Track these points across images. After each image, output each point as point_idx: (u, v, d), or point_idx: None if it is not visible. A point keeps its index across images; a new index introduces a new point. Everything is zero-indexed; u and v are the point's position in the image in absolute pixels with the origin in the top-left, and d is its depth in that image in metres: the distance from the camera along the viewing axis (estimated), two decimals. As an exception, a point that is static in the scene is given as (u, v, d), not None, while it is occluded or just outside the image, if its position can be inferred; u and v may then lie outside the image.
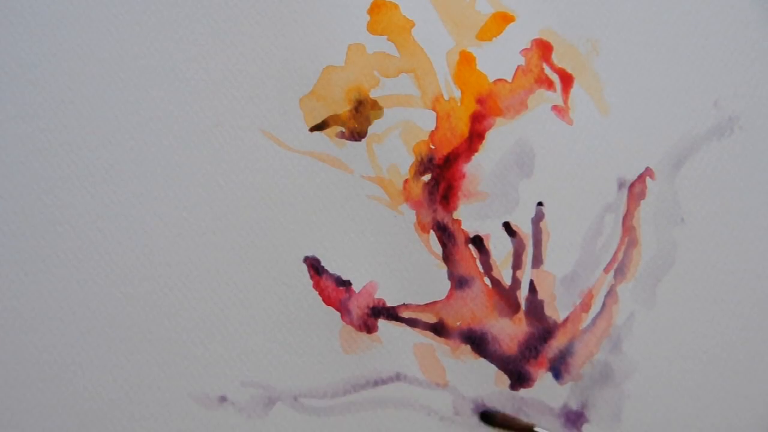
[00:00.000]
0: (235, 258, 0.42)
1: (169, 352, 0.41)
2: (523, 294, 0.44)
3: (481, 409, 0.43)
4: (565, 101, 0.46)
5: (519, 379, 0.43)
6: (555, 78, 0.46)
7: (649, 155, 0.45)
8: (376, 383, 0.42)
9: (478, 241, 0.44)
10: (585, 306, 0.44)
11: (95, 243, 0.42)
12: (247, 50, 0.44)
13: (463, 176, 0.44)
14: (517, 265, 0.44)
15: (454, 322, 0.43)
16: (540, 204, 0.45)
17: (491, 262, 0.44)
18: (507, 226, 0.44)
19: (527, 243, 0.44)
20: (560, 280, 0.44)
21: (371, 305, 0.43)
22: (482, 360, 0.43)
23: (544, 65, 0.46)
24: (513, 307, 0.44)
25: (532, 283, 0.44)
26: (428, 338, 0.43)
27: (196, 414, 0.41)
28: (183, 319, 0.42)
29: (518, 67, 0.45)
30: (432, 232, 0.44)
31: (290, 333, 0.42)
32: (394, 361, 0.43)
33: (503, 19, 0.46)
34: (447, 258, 0.44)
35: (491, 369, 0.43)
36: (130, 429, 0.41)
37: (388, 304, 0.43)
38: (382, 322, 0.43)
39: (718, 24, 0.47)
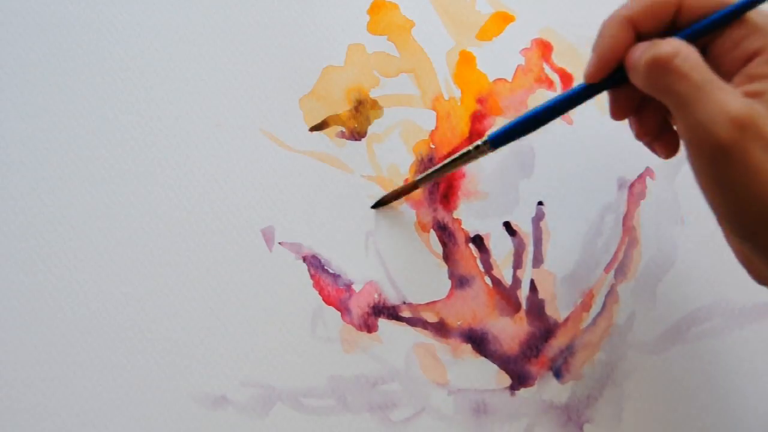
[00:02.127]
0: (235, 258, 0.42)
1: (169, 352, 0.41)
2: (523, 293, 0.44)
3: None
4: (565, 101, 0.46)
5: (520, 378, 0.43)
6: (555, 77, 0.46)
7: (649, 155, 0.45)
8: (376, 383, 0.42)
9: (478, 241, 0.44)
10: (586, 305, 0.44)
11: (95, 243, 0.42)
12: (247, 50, 0.44)
13: (464, 176, 0.44)
14: (517, 264, 0.44)
15: (454, 321, 0.43)
16: (540, 203, 0.45)
17: (492, 261, 0.44)
18: (507, 225, 0.44)
19: (527, 242, 0.44)
20: (561, 280, 0.44)
21: (371, 304, 0.43)
22: (483, 359, 0.43)
23: (544, 65, 0.46)
24: (514, 306, 0.44)
25: (532, 282, 0.44)
26: (429, 338, 0.43)
27: (196, 414, 0.41)
28: (183, 319, 0.42)
29: (518, 66, 0.45)
30: (432, 232, 0.44)
31: (290, 333, 0.42)
32: (394, 360, 0.43)
33: (503, 19, 0.46)
34: (447, 257, 0.44)
35: (492, 368, 0.43)
36: (130, 429, 0.41)
37: (389, 303, 0.43)
38: (382, 322, 0.43)
39: (718, 24, 0.47)
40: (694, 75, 0.31)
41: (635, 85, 0.34)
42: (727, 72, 0.33)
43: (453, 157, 0.40)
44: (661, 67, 0.32)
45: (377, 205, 0.43)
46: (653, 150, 0.39)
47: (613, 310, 0.44)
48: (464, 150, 0.39)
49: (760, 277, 0.36)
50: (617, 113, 0.38)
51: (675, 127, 0.38)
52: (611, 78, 0.36)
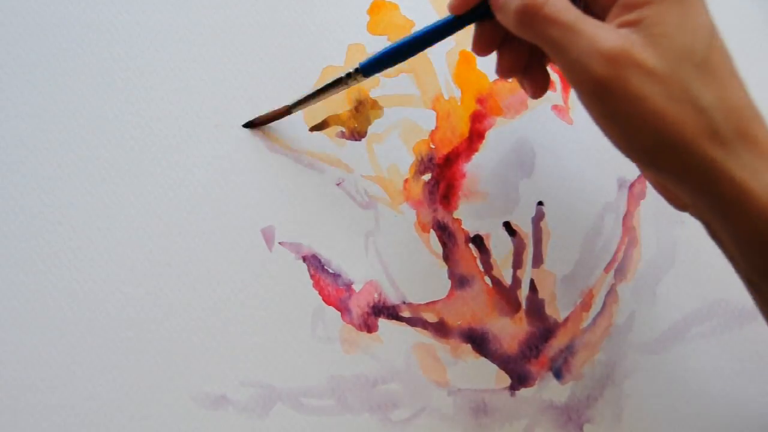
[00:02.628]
0: (235, 258, 0.42)
1: (169, 352, 0.41)
2: (523, 293, 0.44)
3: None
4: (565, 101, 0.46)
5: (520, 378, 0.43)
6: (555, 77, 0.46)
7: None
8: (376, 383, 0.42)
9: (478, 241, 0.44)
10: (585, 305, 0.44)
11: (95, 243, 0.42)
12: (247, 50, 0.44)
13: (464, 176, 0.44)
14: (517, 264, 0.44)
15: (454, 321, 0.43)
16: (540, 203, 0.45)
17: (491, 261, 0.44)
18: (507, 225, 0.44)
19: (528, 242, 0.44)
20: (561, 280, 0.44)
21: (371, 304, 0.43)
22: (483, 359, 0.43)
23: (544, 65, 0.46)
24: (513, 306, 0.44)
25: (532, 282, 0.44)
26: (428, 337, 0.43)
27: (196, 414, 0.41)
28: (183, 318, 0.42)
29: (518, 66, 0.45)
30: (432, 232, 0.44)
31: (290, 333, 0.42)
32: (394, 360, 0.43)
33: (503, 19, 0.46)
34: (447, 257, 0.44)
35: (492, 368, 0.43)
36: (130, 429, 0.41)
37: (389, 303, 0.43)
38: (382, 322, 0.43)
39: (718, 24, 0.47)
40: (563, 17, 0.32)
41: (504, 26, 0.34)
42: (604, 7, 0.33)
43: (327, 82, 0.41)
44: (530, 15, 0.32)
45: (249, 125, 0.44)
46: (523, 87, 0.39)
47: (613, 310, 0.44)
48: (337, 76, 0.40)
49: (676, 202, 0.36)
50: (481, 48, 0.38)
51: (547, 67, 0.38)
52: (476, 11, 0.36)
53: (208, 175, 0.43)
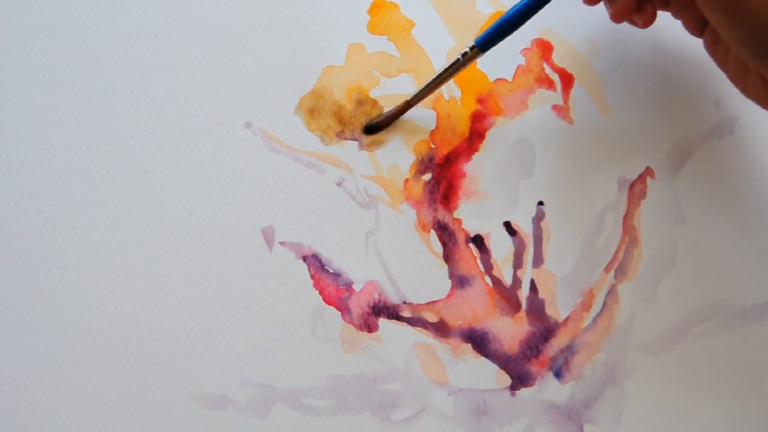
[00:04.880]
0: (235, 258, 0.42)
1: (169, 352, 0.41)
2: (524, 293, 0.44)
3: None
4: (566, 101, 0.46)
5: (520, 378, 0.43)
6: (555, 77, 0.46)
7: (649, 155, 0.46)
8: (377, 383, 0.42)
9: (478, 241, 0.44)
10: (586, 305, 0.44)
11: (95, 243, 0.42)
12: (247, 50, 0.44)
13: (464, 175, 0.44)
14: (517, 264, 0.44)
15: (455, 321, 0.43)
16: (540, 203, 0.45)
17: (492, 261, 0.44)
18: (507, 225, 0.44)
19: (528, 242, 0.44)
20: (561, 280, 0.44)
21: (372, 304, 0.43)
22: (483, 359, 0.43)
23: (545, 65, 0.46)
24: (514, 306, 0.44)
25: (532, 282, 0.44)
26: (429, 337, 0.43)
27: (196, 414, 0.41)
28: (183, 319, 0.42)
29: (518, 66, 0.45)
30: (432, 232, 0.44)
31: (290, 333, 0.42)
32: (394, 360, 0.43)
33: (503, 18, 0.46)
34: (448, 257, 0.44)
35: (492, 368, 0.43)
36: (130, 429, 0.41)
37: (389, 303, 0.43)
38: (382, 321, 0.43)
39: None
40: None
41: None
42: None
43: (444, 67, 0.42)
44: None
45: (369, 130, 0.44)
46: (632, 22, 0.42)
47: (613, 310, 0.44)
48: (454, 60, 0.42)
49: None
50: None
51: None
52: None
53: (208, 175, 0.43)
